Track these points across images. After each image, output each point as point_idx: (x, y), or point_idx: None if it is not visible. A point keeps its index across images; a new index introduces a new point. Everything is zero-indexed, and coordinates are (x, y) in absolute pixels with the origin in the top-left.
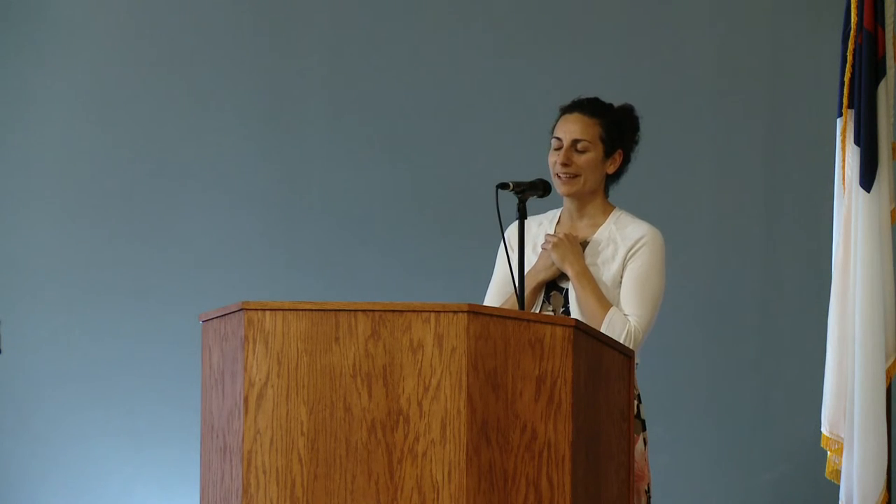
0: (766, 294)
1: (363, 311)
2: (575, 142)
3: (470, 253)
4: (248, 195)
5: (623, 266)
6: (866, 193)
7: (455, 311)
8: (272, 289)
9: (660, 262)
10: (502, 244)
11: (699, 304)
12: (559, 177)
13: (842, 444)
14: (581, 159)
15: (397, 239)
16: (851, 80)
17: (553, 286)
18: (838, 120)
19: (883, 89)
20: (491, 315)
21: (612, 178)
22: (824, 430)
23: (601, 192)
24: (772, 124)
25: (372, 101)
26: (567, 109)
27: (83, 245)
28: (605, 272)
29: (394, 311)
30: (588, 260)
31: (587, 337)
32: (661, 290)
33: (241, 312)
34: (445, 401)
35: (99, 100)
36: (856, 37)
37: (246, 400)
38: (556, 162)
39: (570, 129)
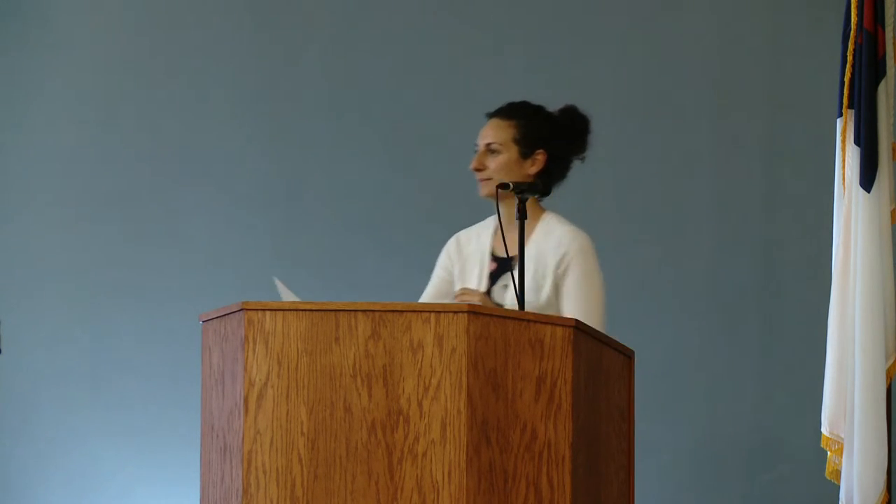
0: (766, 294)
1: (363, 311)
2: (488, 145)
3: None
4: (249, 195)
5: (554, 284)
6: (866, 193)
7: (455, 312)
8: (272, 289)
9: (590, 271)
10: (444, 254)
11: (699, 304)
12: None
13: (842, 444)
14: (493, 162)
15: (397, 239)
16: (851, 80)
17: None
18: (838, 120)
19: (883, 89)
20: (491, 315)
21: (546, 181)
22: (824, 430)
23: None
24: (772, 124)
25: (372, 100)
26: (489, 115)
27: (83, 245)
28: (540, 290)
29: (394, 311)
30: (517, 279)
31: (587, 337)
32: (600, 295)
33: (241, 312)
34: (445, 401)
35: (99, 100)
36: (856, 37)
37: (246, 400)
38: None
39: (485, 133)
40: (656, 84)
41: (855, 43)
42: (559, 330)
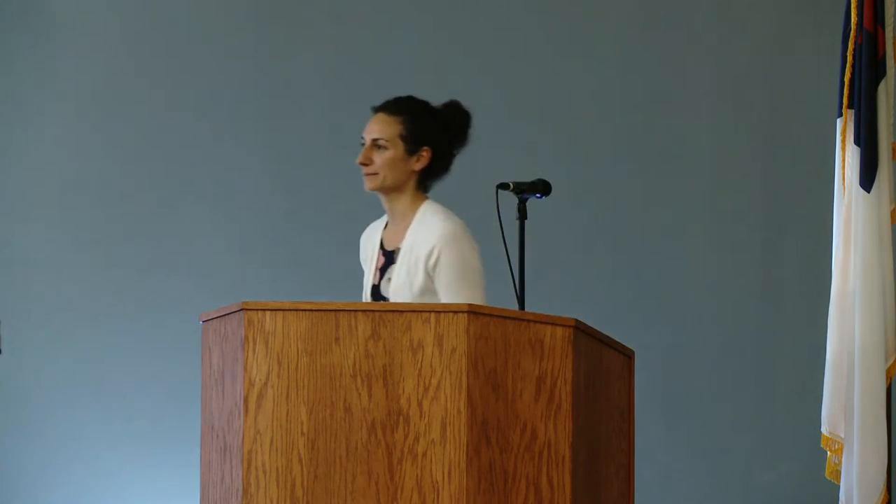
0: (766, 294)
1: (363, 311)
2: (374, 140)
3: None
4: (249, 195)
5: (427, 276)
6: (866, 193)
7: (455, 312)
8: (272, 289)
9: (462, 260)
10: (360, 248)
11: (699, 304)
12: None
13: (842, 444)
14: (379, 158)
15: None
16: (851, 80)
17: (378, 296)
18: (838, 120)
19: (883, 89)
20: (491, 315)
21: (429, 175)
22: (824, 430)
23: (409, 188)
24: (772, 124)
25: (372, 101)
26: (375, 109)
27: (83, 245)
28: (414, 282)
29: (394, 311)
30: (395, 271)
31: (587, 337)
32: (476, 281)
33: (241, 313)
34: (445, 401)
35: (99, 101)
36: (856, 37)
37: (246, 400)
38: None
39: (372, 128)
40: (656, 84)
41: (855, 43)
42: (559, 330)
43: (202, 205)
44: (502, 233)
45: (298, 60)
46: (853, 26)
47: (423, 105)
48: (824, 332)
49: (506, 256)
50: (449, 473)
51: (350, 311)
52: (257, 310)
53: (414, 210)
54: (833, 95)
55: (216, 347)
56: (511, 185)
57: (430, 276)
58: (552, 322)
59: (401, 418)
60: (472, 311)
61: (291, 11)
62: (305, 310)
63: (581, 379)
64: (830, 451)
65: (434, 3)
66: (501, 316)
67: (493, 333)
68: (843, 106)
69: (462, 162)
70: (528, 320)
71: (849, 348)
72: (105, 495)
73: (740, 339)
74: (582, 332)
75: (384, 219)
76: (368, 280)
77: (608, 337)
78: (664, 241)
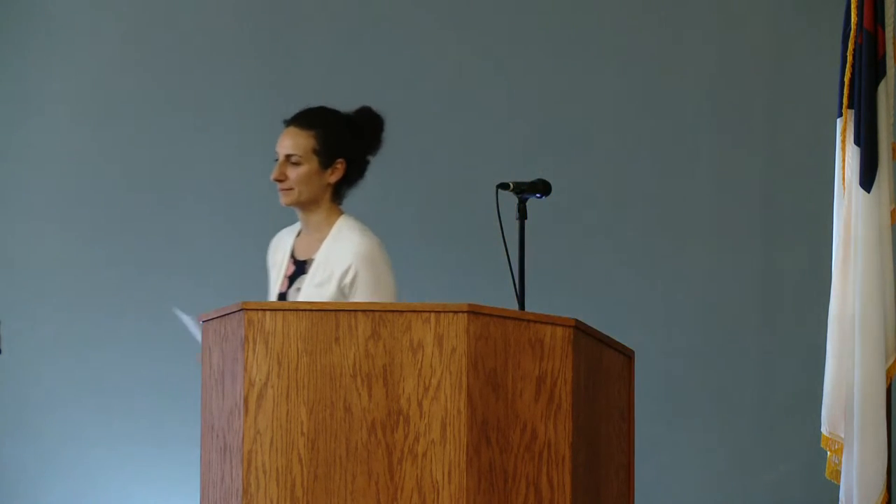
0: (766, 294)
1: (363, 311)
2: (288, 156)
3: (470, 253)
4: (248, 195)
5: (340, 291)
6: (866, 193)
7: (455, 312)
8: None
9: (377, 279)
10: (268, 254)
11: (699, 304)
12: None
13: (842, 444)
14: (294, 173)
15: (397, 239)
16: (851, 80)
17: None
18: (838, 120)
19: (883, 89)
20: (491, 315)
21: (344, 185)
22: (824, 430)
23: (325, 201)
24: (772, 124)
25: (371, 101)
26: (286, 122)
27: (83, 245)
28: (324, 295)
29: (394, 311)
30: (307, 282)
31: (587, 337)
32: (391, 300)
33: (241, 313)
34: (445, 401)
35: (99, 100)
36: (856, 37)
37: (246, 400)
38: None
39: (285, 143)
40: (657, 84)
41: (855, 43)
42: (559, 330)
43: (202, 205)
44: (502, 233)
45: (299, 60)
46: (853, 26)
47: (335, 115)
48: (824, 332)
49: (506, 256)
50: (449, 473)
51: (350, 311)
52: (257, 310)
53: (330, 223)
54: (833, 95)
55: (216, 347)
56: (511, 185)
57: (343, 292)
58: (552, 322)
59: (401, 418)
60: (473, 311)
61: (292, 11)
62: (305, 310)
63: (581, 379)
64: (830, 451)
65: (435, 3)
66: (501, 316)
67: (493, 333)
68: (843, 106)
69: (462, 162)
70: (528, 320)
71: (849, 348)
72: (105, 495)
73: (740, 338)
74: (582, 332)
75: (297, 226)
76: (275, 287)
77: (608, 337)
78: (664, 242)
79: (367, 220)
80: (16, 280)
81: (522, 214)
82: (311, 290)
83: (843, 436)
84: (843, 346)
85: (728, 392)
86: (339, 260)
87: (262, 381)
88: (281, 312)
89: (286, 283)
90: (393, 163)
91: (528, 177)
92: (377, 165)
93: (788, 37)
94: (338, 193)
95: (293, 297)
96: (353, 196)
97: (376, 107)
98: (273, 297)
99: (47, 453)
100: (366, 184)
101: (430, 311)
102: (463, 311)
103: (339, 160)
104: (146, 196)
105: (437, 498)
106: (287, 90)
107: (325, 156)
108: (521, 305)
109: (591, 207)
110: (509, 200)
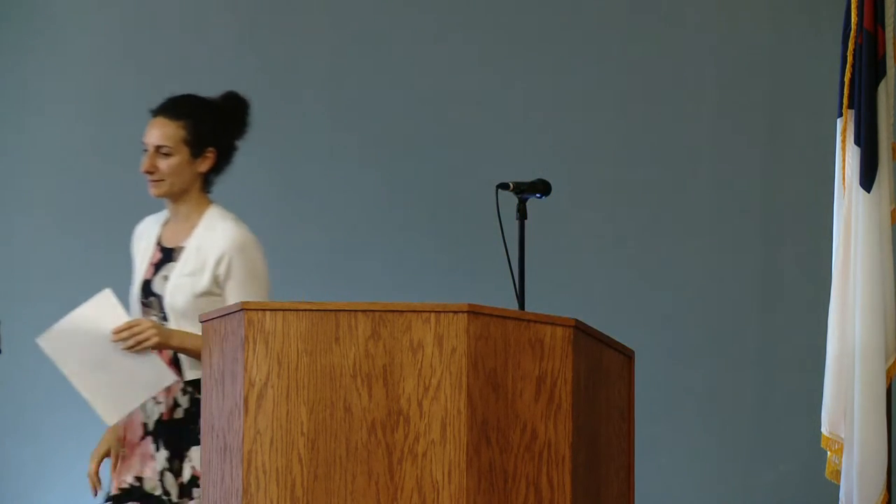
0: (766, 294)
1: (363, 311)
2: (158, 147)
3: (470, 253)
4: (248, 195)
5: (213, 280)
6: (866, 193)
7: (455, 312)
8: (272, 289)
9: (251, 269)
10: (132, 244)
11: (699, 303)
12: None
13: (842, 444)
14: (164, 164)
15: (397, 239)
16: (851, 80)
17: (149, 292)
18: (838, 120)
19: (883, 89)
20: (491, 315)
21: (213, 173)
22: (824, 430)
23: (195, 190)
24: (772, 124)
25: (371, 102)
26: (154, 112)
27: (83, 245)
28: (197, 283)
29: (394, 311)
30: (177, 270)
31: (587, 337)
32: (265, 287)
33: (241, 312)
34: (445, 401)
35: (99, 100)
36: (856, 37)
37: (246, 400)
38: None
39: (154, 134)
40: (656, 83)
41: (855, 43)
42: (559, 330)
43: None
44: (502, 233)
45: (299, 60)
46: (853, 26)
47: (204, 103)
48: (824, 332)
49: (506, 256)
50: (449, 473)
51: (350, 311)
52: (257, 310)
53: (200, 212)
54: (833, 95)
55: (216, 347)
56: (511, 185)
57: (216, 281)
58: (552, 322)
59: (401, 418)
60: (473, 311)
61: (292, 11)
62: (305, 310)
63: (581, 379)
64: (830, 451)
65: (435, 2)
66: (501, 316)
67: (493, 333)
68: (843, 106)
69: (462, 162)
70: (528, 320)
71: (849, 348)
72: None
73: (740, 339)
74: (582, 332)
75: (163, 214)
76: (139, 274)
77: (608, 337)
78: (664, 241)
79: (368, 220)
80: (16, 280)
81: (522, 214)
82: (183, 278)
83: (843, 436)
84: (843, 346)
85: (728, 392)
86: (213, 248)
87: (262, 381)
88: (281, 312)
89: (151, 271)
90: (393, 163)
91: (528, 177)
92: (377, 165)
93: (788, 37)
94: (207, 182)
95: (159, 284)
96: (354, 196)
97: (376, 106)
98: (136, 285)
99: (47, 453)
100: (366, 184)
101: (430, 311)
102: (463, 311)
103: (210, 149)
104: (146, 196)
105: (437, 498)
106: (288, 90)
107: (195, 145)
108: (521, 305)
109: (591, 207)
110: (509, 200)
